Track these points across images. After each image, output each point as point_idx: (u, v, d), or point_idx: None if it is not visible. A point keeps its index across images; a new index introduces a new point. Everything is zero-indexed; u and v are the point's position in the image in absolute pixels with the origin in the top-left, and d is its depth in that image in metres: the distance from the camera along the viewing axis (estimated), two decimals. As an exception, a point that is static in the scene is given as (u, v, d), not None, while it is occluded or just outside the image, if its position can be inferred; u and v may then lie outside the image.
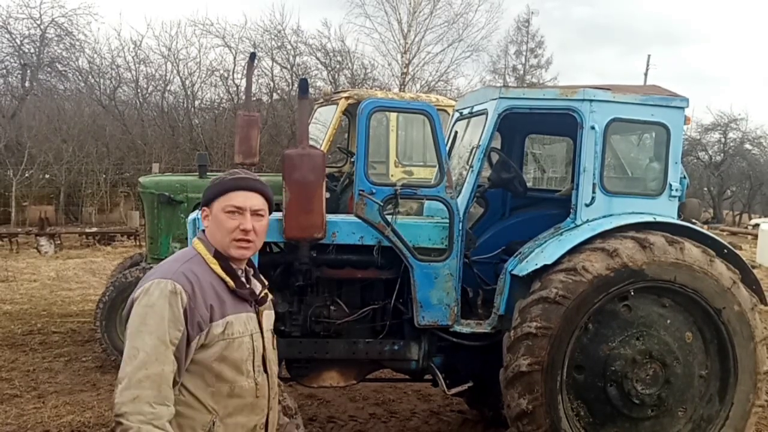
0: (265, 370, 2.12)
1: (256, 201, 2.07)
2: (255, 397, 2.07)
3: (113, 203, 19.85)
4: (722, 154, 31.79)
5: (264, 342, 2.12)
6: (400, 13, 25.60)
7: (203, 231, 2.13)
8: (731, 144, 31.84)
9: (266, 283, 2.24)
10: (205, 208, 2.10)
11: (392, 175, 7.37)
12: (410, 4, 25.33)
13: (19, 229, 15.38)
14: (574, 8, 56.52)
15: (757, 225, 20.36)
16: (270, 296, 2.23)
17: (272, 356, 2.19)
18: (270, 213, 2.15)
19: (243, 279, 2.11)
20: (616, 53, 59.96)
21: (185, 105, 21.76)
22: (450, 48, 26.35)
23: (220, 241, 2.04)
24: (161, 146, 20.03)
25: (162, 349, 1.86)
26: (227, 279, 2.02)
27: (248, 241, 2.04)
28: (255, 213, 2.06)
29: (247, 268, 2.16)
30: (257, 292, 2.14)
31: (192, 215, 4.43)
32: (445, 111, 6.99)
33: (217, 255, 2.04)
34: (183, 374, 1.94)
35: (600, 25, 58.16)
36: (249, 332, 2.05)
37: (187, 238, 4.48)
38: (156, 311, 1.88)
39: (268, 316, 2.20)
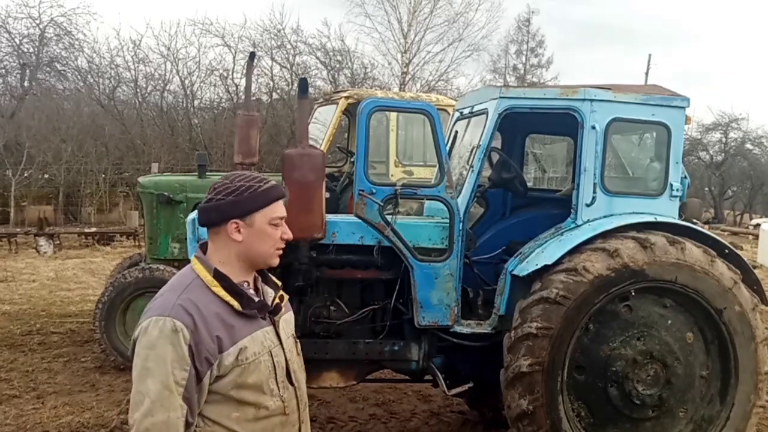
0: (291, 383, 2.02)
1: (284, 207, 2.05)
2: (284, 414, 1.98)
3: (112, 203, 19.81)
4: (723, 154, 31.80)
5: (285, 353, 2.02)
6: (400, 13, 25.65)
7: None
8: (732, 144, 31.86)
9: (279, 284, 2.14)
10: (238, 221, 1.94)
11: (392, 175, 7.37)
12: (410, 3, 25.36)
13: (18, 229, 15.36)
14: (573, 8, 56.57)
15: (758, 225, 20.35)
16: (286, 297, 2.13)
17: (297, 364, 2.09)
18: None
19: (252, 290, 2.01)
20: (616, 53, 59.99)
21: (184, 105, 21.73)
22: (450, 47, 26.38)
23: (263, 253, 1.98)
24: (160, 146, 20.00)
25: (166, 394, 1.76)
26: (232, 302, 1.90)
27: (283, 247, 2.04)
28: (284, 219, 2.05)
29: (256, 275, 2.07)
30: (270, 302, 2.04)
31: (191, 215, 4.41)
32: (445, 110, 6.98)
33: (218, 275, 1.92)
34: (201, 408, 1.86)
35: (600, 24, 58.25)
36: (267, 349, 1.96)
37: (186, 239, 4.45)
38: (157, 353, 1.78)
39: (287, 322, 2.10)
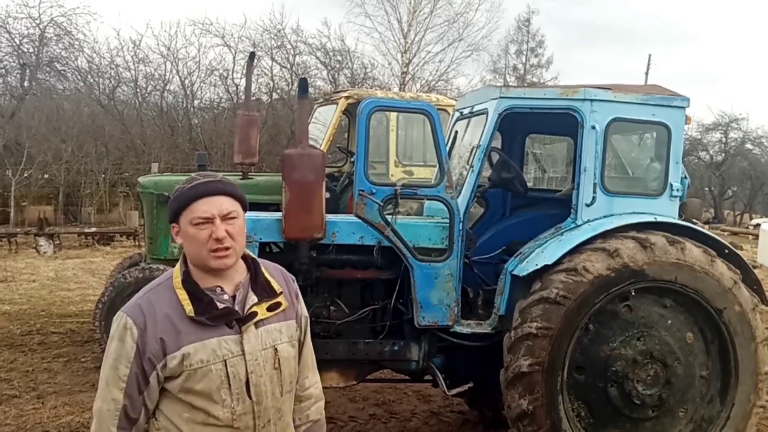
0: (249, 397, 1.93)
1: (223, 204, 1.90)
2: (232, 427, 1.92)
3: (112, 203, 19.81)
4: (723, 154, 31.81)
5: (247, 365, 1.92)
6: (400, 13, 25.65)
7: None
8: (732, 144, 31.87)
9: (278, 290, 2.03)
10: (174, 224, 1.94)
11: (392, 175, 7.37)
12: (410, 3, 25.37)
13: (18, 229, 15.35)
14: (572, 8, 56.58)
15: (758, 225, 20.36)
16: (285, 305, 2.02)
17: (269, 378, 1.96)
18: (244, 210, 1.98)
19: (228, 296, 1.94)
20: (615, 53, 60.01)
21: (184, 105, 21.72)
22: (450, 47, 26.38)
23: (196, 255, 1.91)
24: (160, 146, 20.00)
25: (104, 386, 1.88)
26: (187, 306, 1.88)
27: (225, 248, 1.89)
28: (225, 217, 1.89)
29: (243, 280, 1.99)
30: (245, 308, 1.94)
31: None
32: (445, 110, 6.98)
33: (186, 278, 1.92)
34: (159, 403, 1.91)
35: (600, 24, 58.26)
36: (220, 358, 1.88)
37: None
38: (111, 346, 1.88)
39: (270, 332, 1.98)
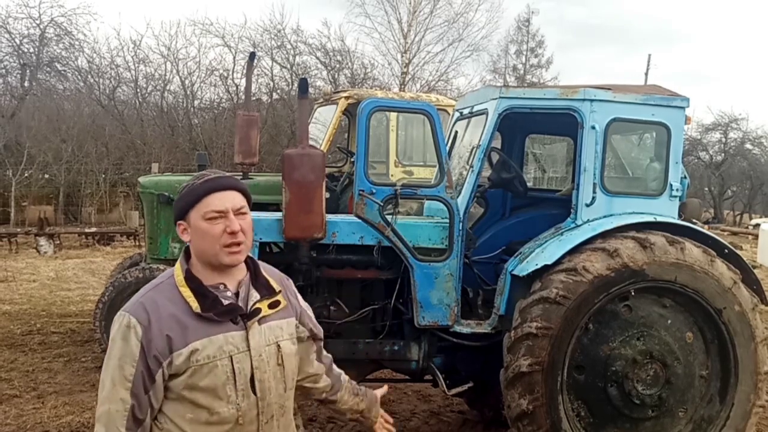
0: (254, 392, 1.94)
1: (236, 199, 1.93)
2: (237, 423, 1.92)
3: (112, 203, 19.81)
4: (723, 154, 31.80)
5: (252, 361, 1.93)
6: (400, 13, 25.65)
7: (187, 248, 1.99)
8: (732, 144, 31.85)
9: (277, 289, 2.05)
10: (181, 222, 1.94)
11: (392, 175, 7.38)
12: (410, 3, 25.36)
13: (19, 229, 15.36)
14: (570, 8, 56.55)
15: (757, 225, 20.35)
16: (284, 303, 2.05)
17: (272, 375, 1.98)
18: (250, 209, 2.00)
19: (231, 293, 1.96)
20: (615, 53, 60.01)
21: (185, 105, 21.74)
22: (450, 47, 26.39)
23: (207, 251, 1.91)
24: (161, 146, 20.01)
25: (110, 387, 1.85)
26: (192, 302, 1.88)
27: (238, 243, 1.91)
28: (238, 212, 1.92)
29: (244, 278, 2.00)
30: (249, 305, 1.95)
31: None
32: (445, 111, 6.99)
33: (188, 276, 1.92)
34: (160, 405, 1.89)
35: (599, 25, 58.25)
36: (227, 354, 1.89)
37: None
38: (114, 346, 1.86)
39: (272, 329, 2.00)
